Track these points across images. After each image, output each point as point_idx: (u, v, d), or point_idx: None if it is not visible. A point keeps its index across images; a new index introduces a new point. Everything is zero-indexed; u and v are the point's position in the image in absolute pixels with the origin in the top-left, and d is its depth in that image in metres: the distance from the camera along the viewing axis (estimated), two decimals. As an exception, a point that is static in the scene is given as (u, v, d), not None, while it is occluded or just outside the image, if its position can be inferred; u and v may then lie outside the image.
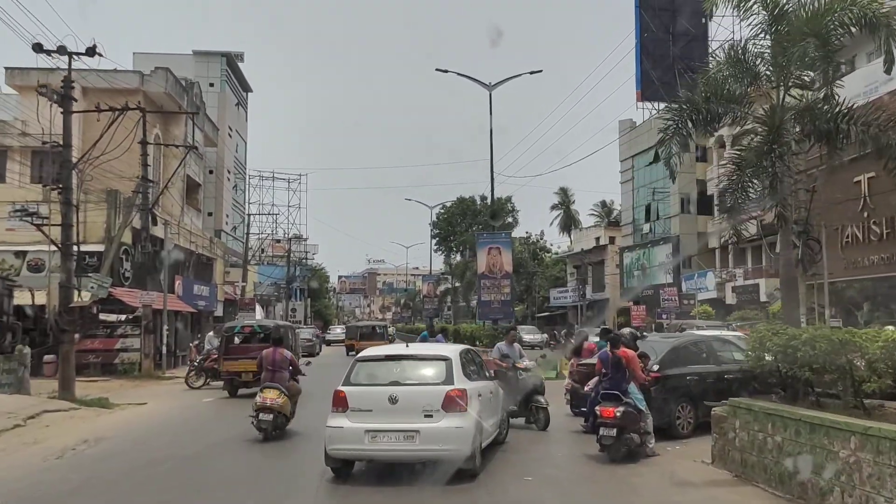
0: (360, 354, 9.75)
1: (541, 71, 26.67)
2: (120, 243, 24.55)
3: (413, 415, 8.50)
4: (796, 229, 24.72)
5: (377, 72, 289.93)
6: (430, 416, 8.48)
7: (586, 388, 10.62)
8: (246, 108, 68.41)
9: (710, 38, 48.97)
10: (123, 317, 24.02)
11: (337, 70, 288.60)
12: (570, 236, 76.24)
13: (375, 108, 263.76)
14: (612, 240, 57.20)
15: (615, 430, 9.51)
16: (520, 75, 27.11)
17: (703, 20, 49.39)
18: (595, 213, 75.59)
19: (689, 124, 14.42)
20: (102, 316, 23.58)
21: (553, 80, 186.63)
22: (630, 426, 9.64)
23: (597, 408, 9.84)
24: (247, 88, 67.97)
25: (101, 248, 24.43)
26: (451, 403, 8.54)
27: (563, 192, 76.13)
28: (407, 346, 10.32)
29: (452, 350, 9.83)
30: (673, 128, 14.47)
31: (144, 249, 22.95)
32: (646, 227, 47.35)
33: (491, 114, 26.61)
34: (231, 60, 61.10)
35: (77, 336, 21.99)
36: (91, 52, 17.20)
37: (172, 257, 27.85)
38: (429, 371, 9.12)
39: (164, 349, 25.23)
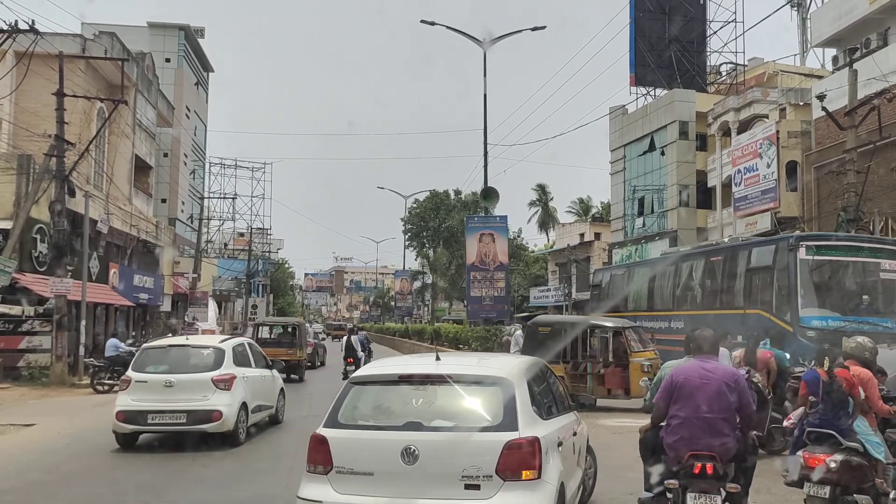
0: (358, 372, 5.90)
1: (544, 27, 22.80)
2: (32, 219, 20.08)
3: (446, 484, 4.82)
4: (844, 217, 21.26)
5: (355, 63, 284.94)
6: (477, 486, 4.78)
7: (787, 422, 6.94)
8: (206, 89, 63.67)
9: (708, 20, 45.93)
10: (32, 310, 19.54)
11: (309, 53, 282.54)
12: (547, 234, 73.01)
13: (349, 98, 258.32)
14: (597, 236, 53.65)
15: (828, 489, 5.99)
16: (521, 31, 23.30)
17: (701, 0, 46.18)
18: (573, 210, 72.58)
19: None
20: (3, 308, 19.04)
21: (538, 61, 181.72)
22: (855, 483, 6.03)
23: (800, 452, 6.33)
24: (207, 68, 63.28)
25: (10, 224, 19.93)
26: (514, 464, 4.76)
27: (541, 189, 73.27)
28: (437, 358, 5.67)
29: (514, 366, 5.64)
30: None
31: (58, 226, 18.53)
32: (639, 222, 43.66)
33: (485, 75, 22.62)
34: (190, 35, 56.33)
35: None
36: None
37: (103, 239, 23.47)
38: (473, 404, 5.22)
39: (83, 350, 20.62)
